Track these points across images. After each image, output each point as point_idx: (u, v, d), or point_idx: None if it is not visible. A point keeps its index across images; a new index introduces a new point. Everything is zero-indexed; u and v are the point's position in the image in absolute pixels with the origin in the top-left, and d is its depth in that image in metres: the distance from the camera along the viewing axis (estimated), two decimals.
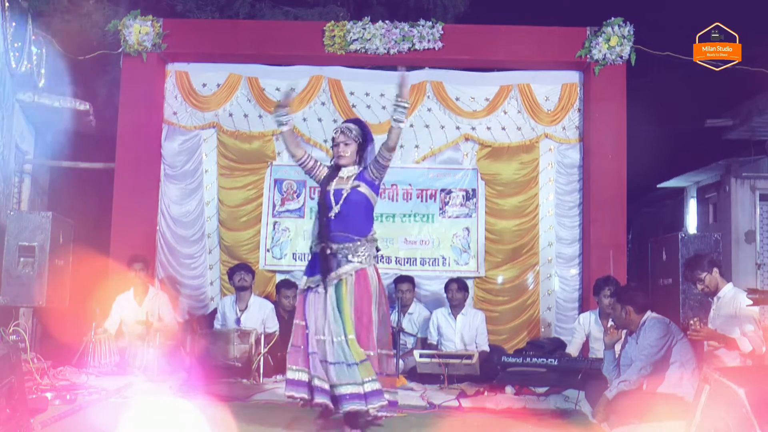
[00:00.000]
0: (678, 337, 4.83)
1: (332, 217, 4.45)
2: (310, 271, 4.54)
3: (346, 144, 4.56)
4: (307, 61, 8.03)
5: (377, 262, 4.66)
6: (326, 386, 4.30)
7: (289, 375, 4.46)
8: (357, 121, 4.77)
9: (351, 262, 4.43)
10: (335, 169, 4.63)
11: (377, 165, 4.53)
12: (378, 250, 4.62)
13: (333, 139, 4.62)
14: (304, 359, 4.41)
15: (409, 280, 7.23)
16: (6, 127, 7.36)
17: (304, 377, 4.39)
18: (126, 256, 7.08)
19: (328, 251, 4.43)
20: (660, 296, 7.03)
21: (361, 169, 4.60)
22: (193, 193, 8.05)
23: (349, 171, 4.60)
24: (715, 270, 5.16)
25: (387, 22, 7.74)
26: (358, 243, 4.46)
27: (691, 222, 11.94)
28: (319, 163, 4.71)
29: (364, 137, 4.63)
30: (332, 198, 4.50)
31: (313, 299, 4.47)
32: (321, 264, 4.43)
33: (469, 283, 7.41)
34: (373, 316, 4.43)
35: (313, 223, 4.64)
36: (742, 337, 4.84)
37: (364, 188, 4.53)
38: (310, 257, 4.65)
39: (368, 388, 4.26)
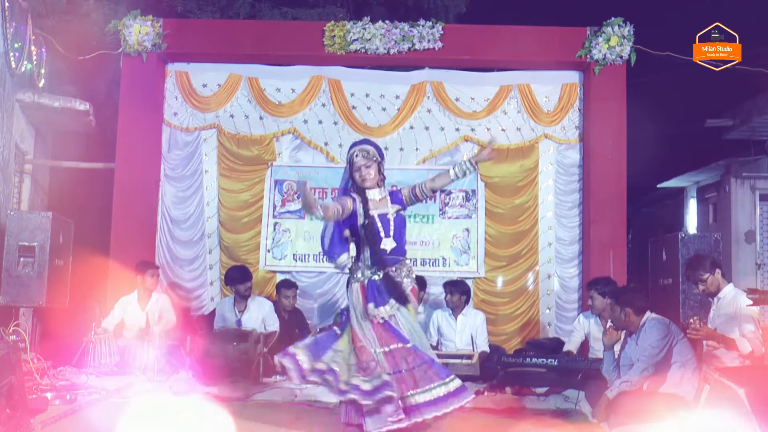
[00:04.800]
0: (678, 338, 4.83)
1: (386, 246, 4.35)
2: (381, 300, 4.29)
3: (368, 166, 4.42)
4: (307, 61, 8.02)
5: None
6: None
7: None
8: (368, 141, 4.64)
9: (405, 280, 4.39)
10: (360, 192, 4.45)
11: (414, 196, 4.49)
12: None
13: (351, 162, 4.44)
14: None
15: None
16: (6, 127, 7.36)
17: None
18: (126, 256, 7.08)
19: (392, 275, 4.34)
20: (660, 296, 7.03)
21: (389, 190, 4.53)
22: (193, 193, 8.04)
23: (377, 193, 4.47)
24: (717, 271, 5.15)
25: (387, 22, 7.73)
26: (406, 261, 4.47)
27: (691, 222, 11.93)
28: (344, 203, 4.39)
29: (380, 155, 4.52)
30: (380, 224, 4.37)
31: (401, 321, 4.33)
32: (391, 290, 4.30)
33: (469, 283, 7.38)
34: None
35: (359, 249, 4.43)
36: (742, 338, 4.84)
37: (400, 210, 4.50)
38: (367, 285, 4.34)
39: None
